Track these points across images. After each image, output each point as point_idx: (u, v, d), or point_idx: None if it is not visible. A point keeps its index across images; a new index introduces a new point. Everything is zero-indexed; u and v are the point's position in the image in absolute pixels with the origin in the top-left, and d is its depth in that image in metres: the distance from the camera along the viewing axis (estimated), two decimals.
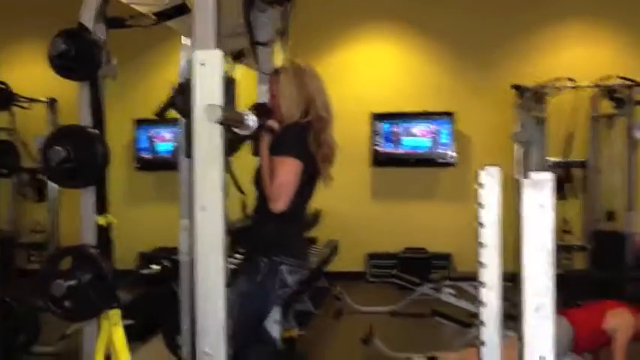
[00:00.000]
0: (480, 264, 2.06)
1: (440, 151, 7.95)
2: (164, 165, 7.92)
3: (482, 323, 2.03)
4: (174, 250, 3.30)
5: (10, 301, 3.30)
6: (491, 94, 7.84)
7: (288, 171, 2.74)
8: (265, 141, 2.80)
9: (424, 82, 8.13)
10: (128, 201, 8.37)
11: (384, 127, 8.02)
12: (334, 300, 6.87)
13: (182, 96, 2.25)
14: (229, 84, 2.25)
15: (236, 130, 2.21)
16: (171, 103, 2.31)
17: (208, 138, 2.23)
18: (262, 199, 2.83)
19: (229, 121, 2.03)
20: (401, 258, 7.86)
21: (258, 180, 2.85)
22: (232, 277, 2.90)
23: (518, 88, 6.91)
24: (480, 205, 2.06)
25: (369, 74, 8.24)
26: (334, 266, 7.56)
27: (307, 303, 6.72)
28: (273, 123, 2.81)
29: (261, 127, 2.15)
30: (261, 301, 2.86)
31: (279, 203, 2.73)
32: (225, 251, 2.28)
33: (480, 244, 2.07)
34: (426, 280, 6.62)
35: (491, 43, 7.91)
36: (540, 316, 2.04)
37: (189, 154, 2.27)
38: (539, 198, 2.05)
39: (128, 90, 7.99)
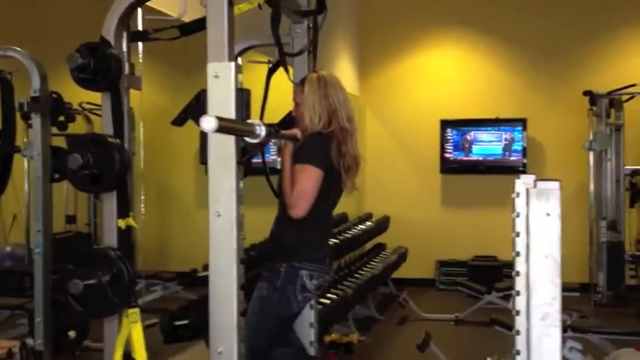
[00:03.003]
0: (516, 273, 2.02)
1: (512, 158, 7.78)
2: None
3: (517, 332, 2.00)
4: None
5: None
6: (564, 100, 7.60)
7: (307, 178, 2.79)
8: (288, 149, 2.86)
9: (495, 89, 7.96)
10: (200, 204, 8.59)
11: (453, 133, 7.93)
12: (399, 306, 6.86)
13: (197, 105, 2.33)
14: (243, 94, 2.32)
15: (247, 138, 2.27)
16: (186, 112, 2.40)
17: (220, 146, 2.32)
18: (283, 207, 2.88)
19: (228, 131, 2.10)
20: (471, 266, 7.75)
21: (280, 188, 2.92)
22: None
23: (591, 95, 6.73)
24: (516, 214, 2.02)
25: (439, 81, 8.15)
26: (404, 273, 7.56)
27: (371, 309, 6.74)
28: (295, 132, 2.87)
29: (270, 134, 2.20)
30: (282, 306, 2.89)
31: (298, 209, 2.78)
32: (239, 255, 2.36)
33: (517, 253, 2.01)
34: (493, 288, 6.54)
35: (563, 49, 7.66)
36: (546, 324, 2.02)
37: (203, 161, 2.36)
38: (546, 207, 2.03)
39: None
